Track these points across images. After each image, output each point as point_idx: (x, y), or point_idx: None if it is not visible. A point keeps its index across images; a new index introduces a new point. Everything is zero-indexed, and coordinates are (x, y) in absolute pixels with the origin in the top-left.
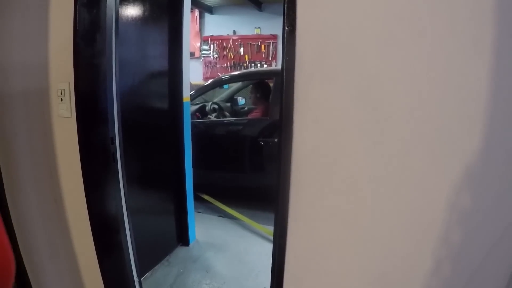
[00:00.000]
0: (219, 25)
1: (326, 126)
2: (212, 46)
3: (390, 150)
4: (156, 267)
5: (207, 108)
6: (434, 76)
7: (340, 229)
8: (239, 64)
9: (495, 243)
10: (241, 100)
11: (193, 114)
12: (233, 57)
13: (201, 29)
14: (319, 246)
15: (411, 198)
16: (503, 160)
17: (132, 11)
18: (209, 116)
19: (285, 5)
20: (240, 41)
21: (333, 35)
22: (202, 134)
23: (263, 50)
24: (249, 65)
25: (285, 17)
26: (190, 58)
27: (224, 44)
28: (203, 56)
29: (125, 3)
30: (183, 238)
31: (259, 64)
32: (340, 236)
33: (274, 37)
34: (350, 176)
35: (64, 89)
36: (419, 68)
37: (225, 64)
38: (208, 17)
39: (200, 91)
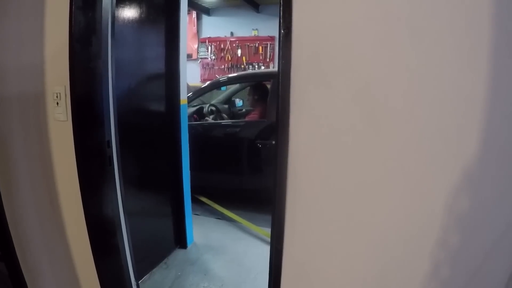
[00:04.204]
0: (217, 26)
1: (323, 129)
2: (209, 47)
3: (387, 152)
4: (154, 270)
5: (205, 110)
6: (432, 78)
7: (337, 233)
8: (236, 65)
9: (493, 245)
10: (238, 102)
11: (191, 116)
12: (231, 58)
13: (198, 31)
14: (317, 249)
15: (409, 200)
16: (501, 162)
17: (128, 13)
18: (206, 118)
19: (281, 8)
20: (238, 43)
21: (329, 37)
22: (200, 136)
23: (260, 52)
24: (247, 66)
25: (281, 20)
26: (188, 60)
27: (222, 45)
28: (201, 58)
29: (121, 5)
30: (181, 241)
31: (256, 66)
32: (337, 239)
33: (272, 38)
34: (347, 179)
35: (60, 93)
36: (416, 70)
37: (223, 66)
38: (205, 18)
39: (198, 93)
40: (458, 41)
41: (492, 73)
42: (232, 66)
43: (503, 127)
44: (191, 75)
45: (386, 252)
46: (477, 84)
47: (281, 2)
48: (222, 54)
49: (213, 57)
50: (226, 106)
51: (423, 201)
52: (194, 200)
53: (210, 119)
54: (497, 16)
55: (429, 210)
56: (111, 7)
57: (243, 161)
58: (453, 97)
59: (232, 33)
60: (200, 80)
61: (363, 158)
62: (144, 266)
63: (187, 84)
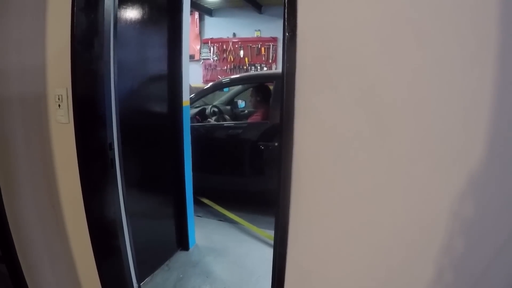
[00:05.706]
0: (219, 27)
1: (328, 133)
2: (212, 48)
3: (392, 157)
4: (156, 272)
5: (207, 111)
6: (437, 81)
7: (341, 237)
8: (239, 66)
9: (498, 251)
10: (241, 103)
11: (193, 118)
12: (233, 59)
13: (201, 32)
14: (320, 254)
15: (413, 205)
16: (506, 167)
17: (131, 14)
18: (209, 119)
19: (286, 11)
20: (240, 44)
21: (335, 40)
22: (202, 138)
23: (263, 53)
24: (249, 67)
25: (286, 23)
26: (190, 61)
27: (224, 46)
28: (203, 59)
29: (124, 6)
30: (183, 243)
31: (259, 67)
32: (341, 244)
33: (274, 39)
34: (352, 184)
35: (61, 95)
36: (422, 74)
37: (225, 67)
38: (208, 19)
39: (200, 94)
40: (464, 43)
41: (498, 75)
42: (234, 67)
43: (509, 131)
44: (193, 76)
45: (390, 257)
46: (483, 87)
47: (286, 5)
48: (225, 55)
49: (216, 58)
50: (229, 107)
51: (428, 206)
52: (196, 202)
53: (212, 121)
54: (503, 16)
55: (434, 215)
56: (114, 8)
57: (246, 163)
58: (459, 100)
59: (234, 34)
60: (202, 81)
61: (368, 162)
62: (146, 268)
63: (190, 85)
